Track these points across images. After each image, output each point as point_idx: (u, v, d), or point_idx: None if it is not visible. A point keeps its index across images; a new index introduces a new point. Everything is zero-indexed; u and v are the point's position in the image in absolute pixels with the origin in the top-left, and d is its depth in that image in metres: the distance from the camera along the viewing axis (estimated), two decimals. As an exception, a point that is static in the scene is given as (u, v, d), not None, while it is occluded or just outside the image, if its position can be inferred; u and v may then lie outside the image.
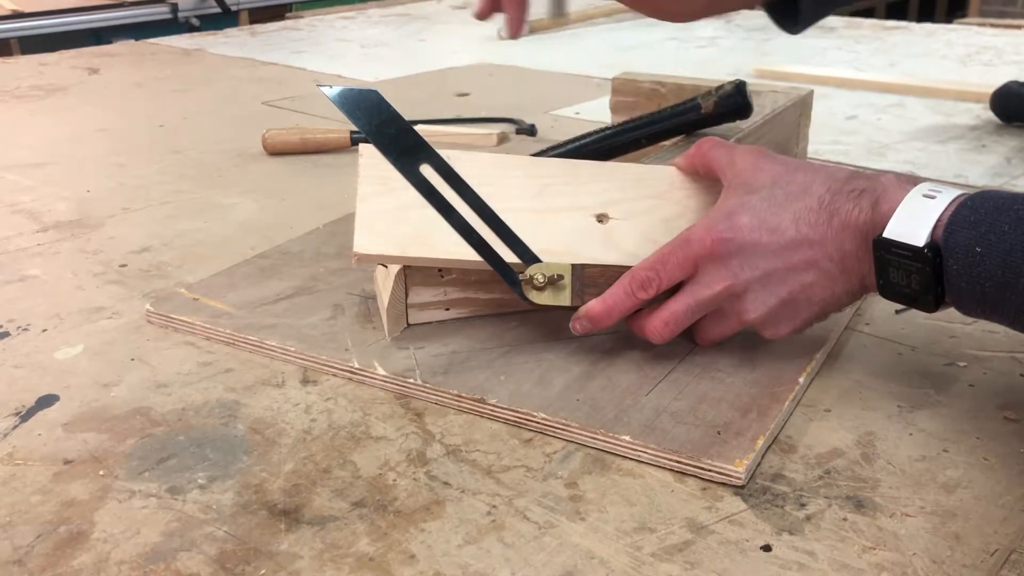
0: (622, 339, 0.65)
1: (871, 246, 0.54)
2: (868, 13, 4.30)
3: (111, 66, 1.73)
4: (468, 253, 0.60)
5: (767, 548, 0.47)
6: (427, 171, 0.60)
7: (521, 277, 0.60)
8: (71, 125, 1.30)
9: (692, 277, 0.58)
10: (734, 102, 0.79)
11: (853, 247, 0.55)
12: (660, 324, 0.59)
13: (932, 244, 0.51)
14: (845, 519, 0.48)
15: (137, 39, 2.12)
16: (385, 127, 0.59)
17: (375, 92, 0.59)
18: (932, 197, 0.52)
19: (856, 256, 0.55)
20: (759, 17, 2.20)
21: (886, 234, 0.53)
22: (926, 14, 4.81)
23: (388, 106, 0.59)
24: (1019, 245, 0.48)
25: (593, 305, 0.60)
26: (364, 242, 0.61)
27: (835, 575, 0.45)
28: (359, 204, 0.62)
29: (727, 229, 0.56)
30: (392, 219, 0.61)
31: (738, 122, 0.81)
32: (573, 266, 0.60)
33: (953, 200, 0.52)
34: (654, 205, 0.65)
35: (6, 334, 0.69)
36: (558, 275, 0.60)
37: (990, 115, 1.26)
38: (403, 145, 0.59)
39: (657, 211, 0.65)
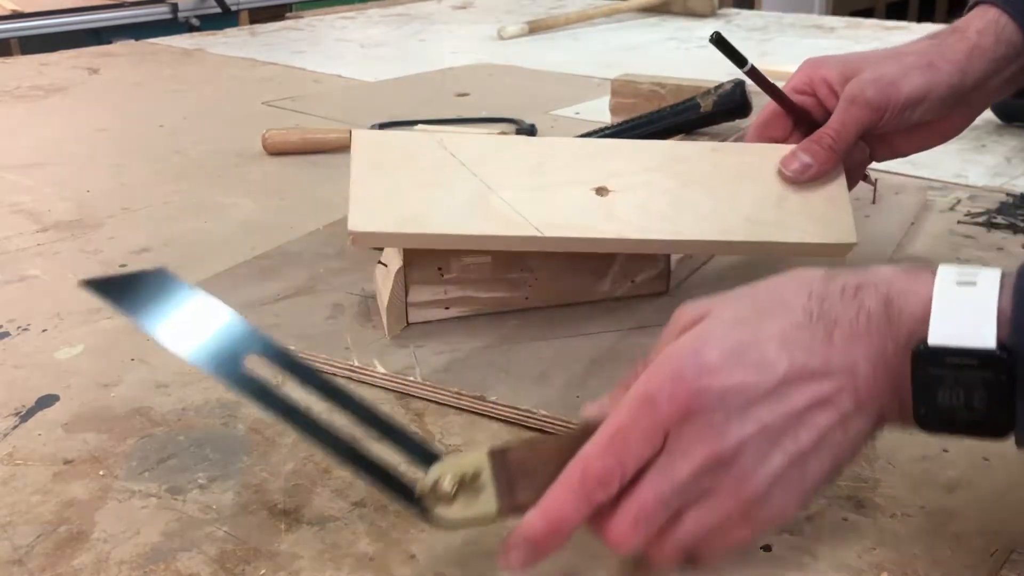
0: (622, 336, 0.65)
1: (900, 363, 0.40)
2: (868, 13, 4.29)
3: (111, 66, 1.73)
4: (467, 228, 0.60)
5: (767, 548, 0.47)
6: (253, 361, 0.43)
7: (418, 490, 0.42)
8: (71, 125, 1.30)
9: (662, 449, 0.41)
10: (733, 101, 0.79)
11: (869, 368, 0.40)
12: (627, 526, 0.41)
13: (1003, 346, 0.38)
14: (845, 519, 0.48)
15: (137, 39, 2.12)
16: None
17: (162, 270, 0.44)
18: (971, 283, 0.40)
19: (873, 381, 0.41)
20: (759, 17, 2.20)
21: (934, 340, 0.39)
22: (926, 14, 4.81)
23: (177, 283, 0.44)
24: None
25: (532, 521, 0.41)
26: (359, 219, 0.60)
27: (835, 575, 0.45)
28: (352, 186, 0.61)
29: (698, 375, 0.40)
30: (387, 200, 0.61)
31: (737, 121, 0.81)
32: (490, 454, 0.42)
33: (1000, 283, 0.39)
34: (654, 178, 0.65)
35: (6, 334, 0.69)
36: (472, 473, 0.42)
37: (990, 115, 1.26)
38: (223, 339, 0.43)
39: (657, 184, 0.65)
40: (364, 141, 0.64)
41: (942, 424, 0.40)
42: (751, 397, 0.40)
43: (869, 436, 0.42)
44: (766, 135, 0.69)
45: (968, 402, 0.39)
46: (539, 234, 0.61)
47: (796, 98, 0.69)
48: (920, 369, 0.39)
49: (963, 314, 0.39)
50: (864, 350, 0.40)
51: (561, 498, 0.41)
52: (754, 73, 0.68)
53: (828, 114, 0.67)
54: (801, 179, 0.64)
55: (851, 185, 0.69)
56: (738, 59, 0.67)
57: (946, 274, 0.40)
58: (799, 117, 0.69)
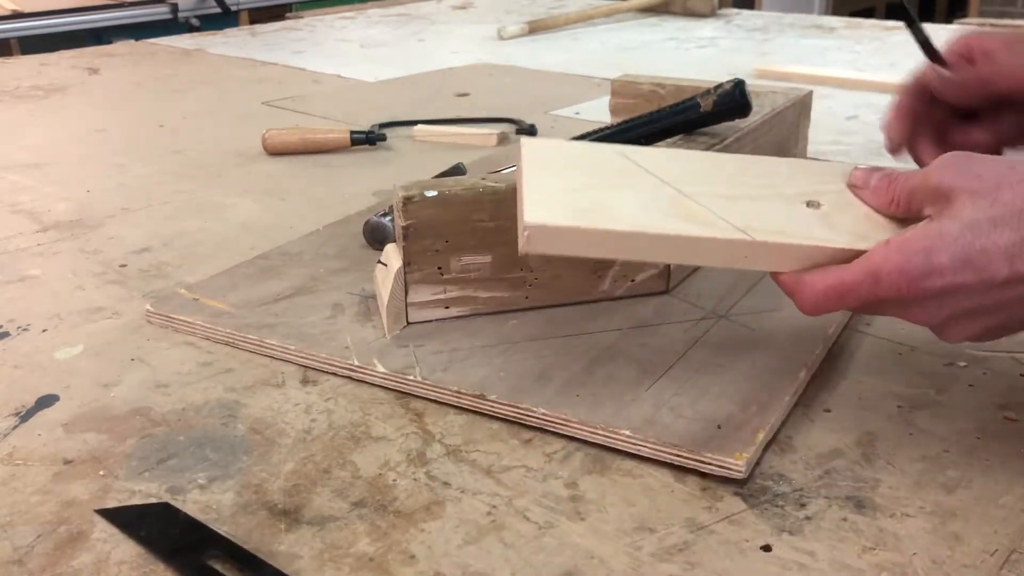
0: (622, 335, 0.65)
1: None
2: (868, 13, 4.30)
3: (111, 66, 1.73)
4: (664, 227, 0.52)
5: (767, 548, 0.47)
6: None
7: None
8: (71, 125, 1.30)
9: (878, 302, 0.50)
10: (733, 101, 0.79)
11: None
12: (817, 295, 0.50)
13: None
14: (845, 519, 0.48)
15: (137, 39, 2.12)
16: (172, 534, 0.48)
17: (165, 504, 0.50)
18: None
19: None
20: (759, 17, 2.20)
21: None
22: (926, 14, 4.81)
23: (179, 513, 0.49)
24: None
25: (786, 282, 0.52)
26: (538, 213, 0.51)
27: (835, 575, 0.45)
28: (525, 186, 0.53)
29: (925, 272, 0.46)
30: (567, 197, 0.53)
31: (737, 121, 0.81)
32: None
33: None
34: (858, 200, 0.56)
35: (6, 334, 0.69)
36: None
37: (990, 115, 1.25)
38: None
39: (864, 205, 0.55)
40: (534, 147, 0.56)
41: None
42: (965, 293, 0.46)
43: None
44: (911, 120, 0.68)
45: None
46: (748, 238, 0.51)
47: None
48: None
49: None
50: None
51: (789, 284, 0.51)
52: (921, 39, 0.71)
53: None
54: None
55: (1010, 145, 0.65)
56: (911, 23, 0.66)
57: None
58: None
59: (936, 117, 0.67)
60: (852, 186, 0.55)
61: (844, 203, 0.55)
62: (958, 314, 0.48)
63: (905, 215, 0.52)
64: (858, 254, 0.50)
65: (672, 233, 0.51)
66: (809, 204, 0.54)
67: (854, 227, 0.53)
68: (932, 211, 0.49)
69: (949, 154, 0.50)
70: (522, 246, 0.51)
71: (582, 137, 0.80)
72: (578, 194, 0.53)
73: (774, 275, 0.53)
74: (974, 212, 0.46)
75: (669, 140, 0.80)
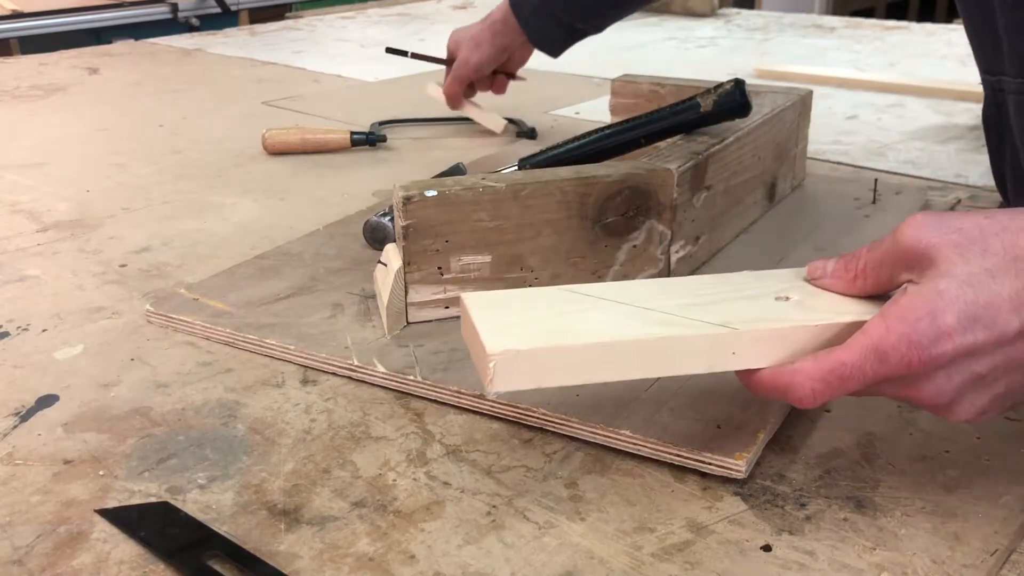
0: (622, 339, 0.64)
1: None
2: (868, 13, 4.29)
3: (111, 66, 1.73)
4: (633, 333, 0.47)
5: (767, 548, 0.47)
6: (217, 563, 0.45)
7: None
8: (71, 125, 1.30)
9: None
10: (733, 101, 0.79)
11: None
12: (816, 383, 0.45)
13: None
14: (845, 519, 0.48)
15: (137, 39, 2.12)
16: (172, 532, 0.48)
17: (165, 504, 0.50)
18: None
19: None
20: (759, 17, 2.20)
21: None
22: (926, 14, 4.81)
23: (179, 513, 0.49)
24: None
25: (755, 380, 0.48)
26: (500, 342, 0.45)
27: (835, 575, 0.45)
28: (478, 325, 0.47)
29: (934, 337, 0.42)
30: (524, 328, 0.48)
31: (737, 121, 0.81)
32: None
33: None
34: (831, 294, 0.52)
35: (6, 334, 0.69)
36: None
37: (990, 115, 1.26)
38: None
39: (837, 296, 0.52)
40: (477, 299, 0.50)
41: None
42: (977, 355, 0.42)
43: None
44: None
45: None
46: (734, 329, 0.47)
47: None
48: None
49: None
50: None
51: (782, 378, 0.46)
52: (417, 56, 1.21)
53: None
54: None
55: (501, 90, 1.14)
56: (400, 52, 0.99)
57: None
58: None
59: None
60: (811, 279, 0.51)
61: (813, 292, 0.51)
62: (969, 383, 0.44)
63: (874, 290, 0.48)
64: (853, 327, 0.46)
65: (653, 337, 0.46)
66: (778, 299, 0.51)
67: (833, 307, 0.49)
68: (913, 275, 0.45)
69: (916, 215, 0.46)
70: (488, 387, 0.45)
71: (582, 137, 0.80)
72: (538, 324, 0.48)
73: (756, 380, 0.48)
74: (967, 265, 0.42)
75: (669, 140, 0.80)
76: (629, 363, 0.47)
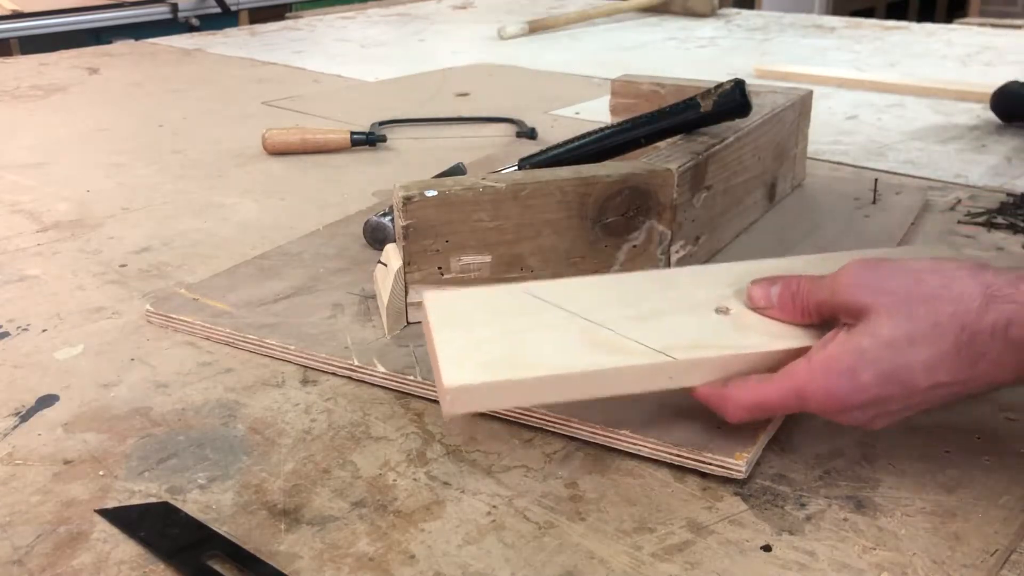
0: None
1: None
2: (868, 13, 4.29)
3: (111, 66, 1.73)
4: (583, 365, 0.50)
5: (767, 548, 0.47)
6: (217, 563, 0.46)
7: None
8: (71, 125, 1.30)
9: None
10: (733, 101, 0.79)
11: (1012, 379, 0.47)
12: (742, 410, 0.51)
13: None
14: (845, 519, 0.48)
15: (137, 39, 2.12)
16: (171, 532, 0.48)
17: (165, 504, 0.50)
18: None
19: (1014, 381, 0.47)
20: (759, 17, 2.20)
21: None
22: (926, 14, 4.81)
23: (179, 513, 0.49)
24: None
25: (705, 394, 0.52)
26: (454, 373, 0.49)
27: (835, 575, 0.45)
28: (437, 345, 0.51)
29: (850, 391, 0.48)
30: (477, 348, 0.51)
31: (737, 121, 0.81)
32: None
33: None
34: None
35: (6, 334, 0.69)
36: None
37: (990, 115, 1.26)
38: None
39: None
40: (438, 301, 0.54)
41: None
42: (888, 403, 0.48)
43: None
44: None
45: None
46: (671, 359, 0.51)
47: None
48: None
49: None
50: (1009, 369, 0.46)
51: (714, 399, 0.52)
52: None
53: None
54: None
55: None
56: None
57: None
58: None
59: None
60: (755, 308, 0.54)
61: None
62: (881, 415, 0.49)
63: (819, 323, 0.52)
64: (778, 357, 0.51)
65: (593, 369, 0.50)
66: (718, 311, 0.54)
67: (767, 327, 0.53)
68: (848, 320, 0.49)
69: (854, 267, 0.50)
70: (445, 410, 0.49)
71: (582, 137, 0.80)
72: (491, 345, 0.51)
73: (694, 391, 0.52)
74: (892, 330, 0.47)
75: (669, 140, 0.80)
76: (575, 389, 0.51)
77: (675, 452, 0.52)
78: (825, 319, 0.51)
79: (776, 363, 0.51)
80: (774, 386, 0.50)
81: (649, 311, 0.54)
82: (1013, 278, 0.46)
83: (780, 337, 0.52)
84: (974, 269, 0.47)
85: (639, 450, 0.53)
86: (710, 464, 0.51)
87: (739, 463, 0.51)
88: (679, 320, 0.53)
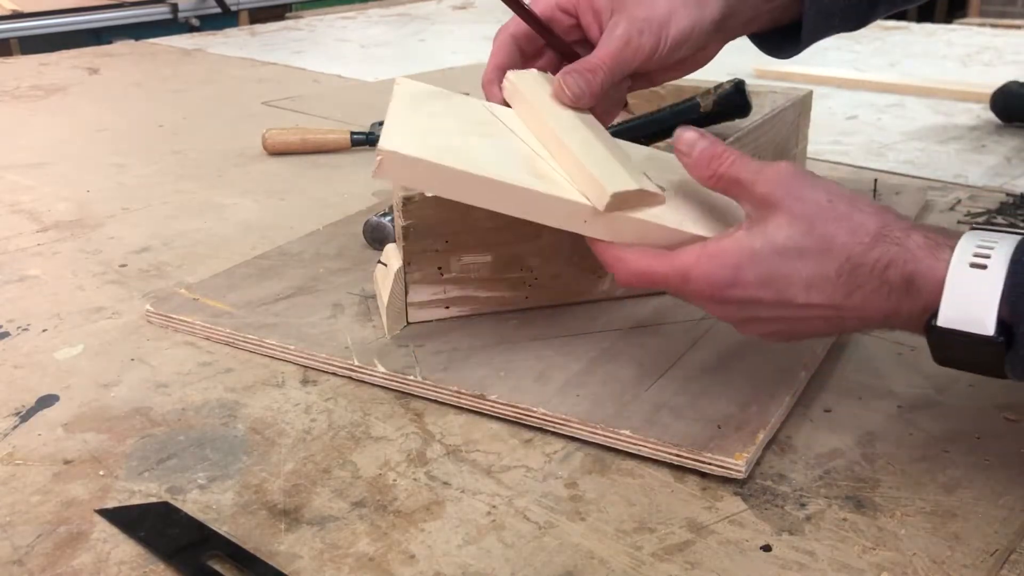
0: (622, 335, 0.65)
1: (915, 322, 0.47)
2: (868, 13, 4.28)
3: (111, 66, 1.73)
4: (512, 178, 0.52)
5: (767, 548, 0.47)
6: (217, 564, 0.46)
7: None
8: (71, 125, 1.30)
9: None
10: (733, 101, 0.79)
11: (880, 319, 0.49)
12: (631, 275, 0.53)
13: (1002, 323, 0.44)
14: (845, 519, 0.48)
15: (137, 39, 2.12)
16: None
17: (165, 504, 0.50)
18: (982, 266, 0.45)
19: (882, 323, 0.49)
20: (759, 17, 2.20)
21: (943, 323, 0.45)
22: (926, 14, 4.81)
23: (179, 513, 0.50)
24: None
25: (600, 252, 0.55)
26: (395, 140, 0.52)
27: (835, 575, 0.45)
28: (388, 116, 0.55)
29: (730, 283, 0.50)
30: (426, 132, 0.54)
31: (737, 121, 0.81)
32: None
33: (1010, 264, 0.44)
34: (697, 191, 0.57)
35: (6, 334, 0.69)
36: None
37: (990, 115, 1.26)
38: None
39: (700, 195, 0.57)
40: (408, 87, 0.59)
41: (954, 366, 0.48)
42: (764, 307, 0.50)
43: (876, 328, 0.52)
44: (516, 48, 0.65)
45: (974, 359, 0.46)
46: (588, 204, 0.53)
47: (559, 16, 0.65)
48: (933, 336, 0.46)
49: (969, 299, 0.45)
50: (878, 306, 0.48)
51: (609, 257, 0.54)
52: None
53: (586, 40, 0.64)
54: (573, 102, 0.60)
55: (611, 120, 0.67)
56: None
57: (963, 253, 0.46)
58: (550, 41, 0.65)
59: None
60: (677, 150, 0.54)
61: (685, 191, 0.56)
62: (749, 319, 0.52)
63: (723, 192, 0.53)
64: (685, 239, 0.53)
65: (518, 185, 0.52)
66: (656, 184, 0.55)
67: (687, 211, 0.54)
68: (750, 210, 0.51)
69: (785, 167, 0.51)
70: (374, 171, 0.52)
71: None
72: (438, 135, 0.54)
73: (592, 245, 0.55)
74: (786, 240, 0.49)
75: (670, 141, 0.80)
76: (494, 197, 0.53)
77: (675, 452, 0.52)
78: (729, 194, 0.53)
79: (677, 240, 0.53)
80: (666, 261, 0.52)
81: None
82: (907, 226, 0.48)
83: (695, 222, 0.54)
84: (880, 209, 0.49)
85: (639, 450, 0.53)
86: (710, 464, 0.51)
87: (739, 463, 0.51)
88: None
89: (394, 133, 0.53)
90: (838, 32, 0.67)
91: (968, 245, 0.46)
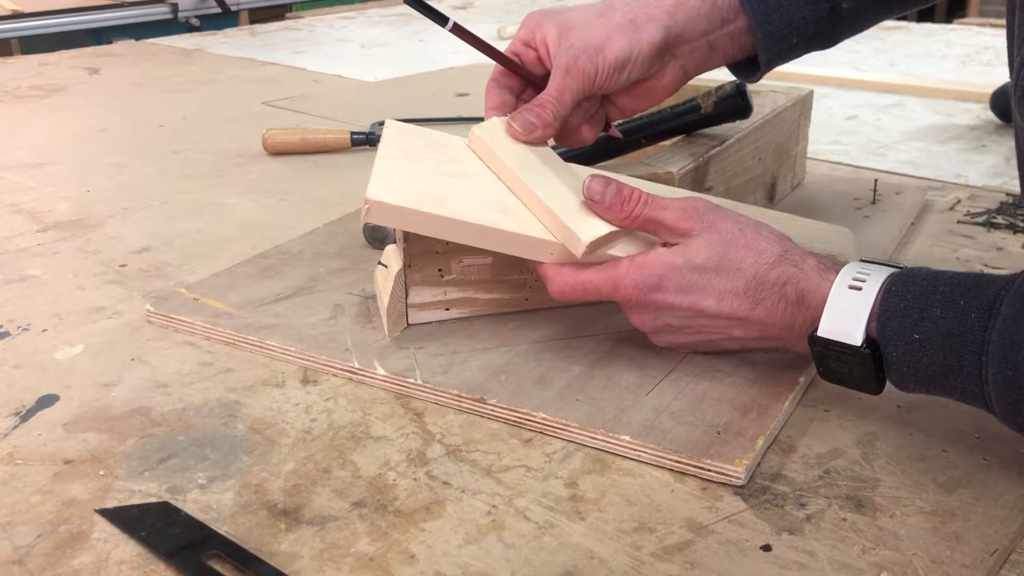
0: (622, 339, 0.65)
1: (803, 336, 0.55)
2: (868, 13, 4.28)
3: (111, 66, 1.73)
4: (483, 219, 0.59)
5: (767, 548, 0.47)
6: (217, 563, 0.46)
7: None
8: (71, 125, 1.30)
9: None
10: (734, 102, 0.79)
11: (777, 332, 0.57)
12: (566, 286, 0.60)
13: (869, 339, 0.52)
14: (845, 519, 0.48)
15: (137, 39, 2.12)
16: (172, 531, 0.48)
17: (165, 503, 0.50)
18: (858, 288, 0.53)
19: (779, 337, 0.57)
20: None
21: (821, 333, 0.53)
22: (926, 14, 4.81)
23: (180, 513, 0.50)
24: (955, 330, 0.49)
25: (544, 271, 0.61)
26: (379, 189, 0.59)
27: (835, 575, 0.45)
28: (377, 162, 0.61)
29: (654, 288, 0.57)
30: (408, 177, 0.61)
31: (738, 122, 0.81)
32: None
33: (880, 288, 0.52)
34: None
35: (6, 334, 0.69)
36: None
37: (990, 115, 1.26)
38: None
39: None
40: (396, 129, 0.66)
41: (836, 381, 0.55)
42: (681, 313, 0.58)
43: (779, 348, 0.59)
44: (503, 89, 0.70)
45: (850, 371, 0.53)
46: (554, 240, 0.59)
47: (524, 51, 0.70)
48: (814, 347, 0.54)
49: (843, 314, 0.53)
50: (776, 320, 0.56)
51: (549, 272, 0.60)
52: (459, 30, 0.69)
53: (547, 72, 0.68)
54: (528, 138, 0.64)
55: (594, 135, 0.70)
56: (440, 18, 0.68)
57: (843, 276, 0.54)
58: (520, 74, 0.70)
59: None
60: (588, 199, 0.59)
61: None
62: (664, 326, 0.60)
63: (639, 230, 0.60)
64: (620, 256, 0.59)
65: (488, 226, 0.59)
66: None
67: (632, 237, 0.60)
68: (671, 240, 0.58)
69: (699, 202, 0.58)
70: (362, 216, 0.59)
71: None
72: (418, 179, 0.61)
73: (537, 265, 0.61)
74: (705, 260, 0.57)
75: (670, 141, 0.80)
76: (469, 236, 0.60)
77: (675, 459, 0.52)
78: (644, 230, 0.60)
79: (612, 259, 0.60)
80: (598, 273, 0.59)
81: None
82: (804, 252, 0.57)
83: (637, 246, 0.60)
84: (781, 237, 0.58)
85: (639, 456, 0.53)
86: (710, 471, 0.51)
87: (739, 470, 0.51)
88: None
89: (379, 180, 0.60)
90: (804, 53, 0.70)
91: (850, 270, 0.54)
